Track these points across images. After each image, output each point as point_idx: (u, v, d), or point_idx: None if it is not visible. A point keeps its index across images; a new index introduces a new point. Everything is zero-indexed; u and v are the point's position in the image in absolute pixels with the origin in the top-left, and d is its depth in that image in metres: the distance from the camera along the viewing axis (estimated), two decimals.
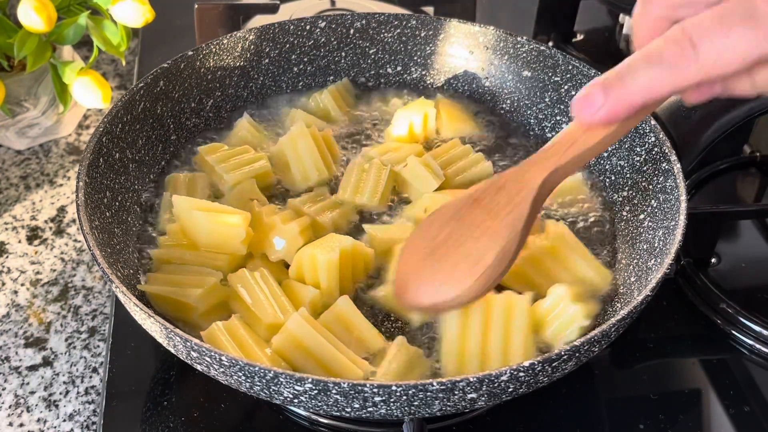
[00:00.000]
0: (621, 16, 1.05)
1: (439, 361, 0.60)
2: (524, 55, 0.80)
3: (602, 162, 0.75)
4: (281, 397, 0.52)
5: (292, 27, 0.82)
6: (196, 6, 0.98)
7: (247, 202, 0.68)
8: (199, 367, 0.54)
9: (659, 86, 0.46)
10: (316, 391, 0.50)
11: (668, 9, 0.48)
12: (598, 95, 0.48)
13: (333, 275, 0.62)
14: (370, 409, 0.51)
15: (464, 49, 0.83)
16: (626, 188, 0.71)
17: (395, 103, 0.82)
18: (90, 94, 0.80)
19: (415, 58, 0.84)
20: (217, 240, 0.64)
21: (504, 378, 0.50)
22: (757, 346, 0.69)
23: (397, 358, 0.58)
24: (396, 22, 0.83)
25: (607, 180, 0.73)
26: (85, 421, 0.65)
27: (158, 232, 0.69)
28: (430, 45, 0.84)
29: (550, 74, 0.79)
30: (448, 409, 0.52)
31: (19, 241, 0.80)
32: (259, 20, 1.00)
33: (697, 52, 0.44)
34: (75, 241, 0.80)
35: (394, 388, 0.49)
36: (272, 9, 1.02)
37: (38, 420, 0.65)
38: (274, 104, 0.82)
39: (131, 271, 0.64)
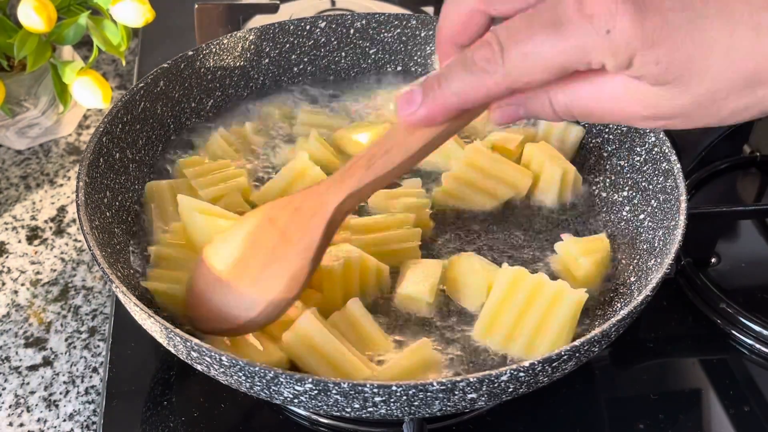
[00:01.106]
0: None
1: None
2: None
3: (602, 162, 0.75)
4: (281, 397, 0.52)
5: (292, 27, 0.82)
6: (196, 6, 0.98)
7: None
8: (199, 367, 0.54)
9: (471, 91, 0.45)
10: (316, 392, 0.50)
11: (481, 2, 0.47)
12: (417, 95, 0.47)
13: (335, 284, 0.62)
14: (370, 409, 0.51)
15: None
16: (626, 188, 0.71)
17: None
18: (90, 94, 0.80)
19: (416, 58, 0.84)
20: None
21: (504, 378, 0.50)
22: (757, 346, 0.69)
23: (409, 357, 0.58)
24: (396, 22, 0.83)
25: (607, 180, 0.73)
26: (85, 421, 0.65)
27: (153, 240, 0.68)
28: (431, 45, 0.84)
29: None
30: (448, 409, 0.52)
31: (19, 241, 0.80)
32: (259, 20, 1.00)
33: (503, 57, 0.43)
34: (75, 241, 0.80)
35: (394, 388, 0.49)
36: (272, 9, 1.02)
37: (38, 420, 0.65)
38: (275, 104, 0.82)
39: (131, 271, 0.64)
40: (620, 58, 0.41)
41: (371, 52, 0.84)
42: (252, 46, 0.80)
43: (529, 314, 0.59)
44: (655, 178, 0.68)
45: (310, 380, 0.49)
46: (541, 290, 0.60)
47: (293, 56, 0.83)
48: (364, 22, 0.83)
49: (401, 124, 0.51)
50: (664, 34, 0.40)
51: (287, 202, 0.57)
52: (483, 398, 0.51)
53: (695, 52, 0.41)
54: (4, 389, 0.67)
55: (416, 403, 0.50)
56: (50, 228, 0.82)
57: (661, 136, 0.68)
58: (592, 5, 0.40)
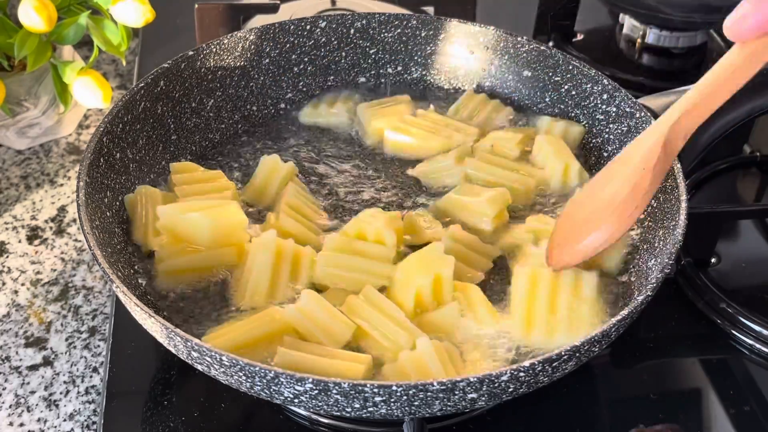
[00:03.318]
0: (621, 16, 1.05)
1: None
2: (524, 55, 0.80)
3: (602, 162, 0.75)
4: (282, 397, 0.52)
5: (292, 27, 0.82)
6: (197, 6, 0.98)
7: None
8: (199, 367, 0.54)
9: None
10: (316, 392, 0.50)
11: None
12: (746, 5, 0.52)
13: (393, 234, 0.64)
14: (371, 409, 0.51)
15: (465, 49, 0.83)
16: None
17: None
18: (90, 94, 0.80)
19: (416, 58, 0.84)
20: (222, 235, 0.64)
21: (504, 378, 0.50)
22: (757, 345, 0.69)
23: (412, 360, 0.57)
24: (396, 22, 0.83)
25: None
26: (85, 420, 0.65)
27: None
28: (431, 45, 0.84)
29: (550, 74, 0.79)
30: (449, 409, 0.52)
31: (20, 241, 0.80)
32: (259, 20, 1.00)
33: None
34: (75, 240, 0.80)
35: (394, 388, 0.49)
36: (272, 9, 1.02)
37: (38, 420, 0.65)
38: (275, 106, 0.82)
39: (131, 271, 0.64)
40: None
41: (371, 52, 0.84)
42: (252, 46, 0.80)
43: (559, 304, 0.61)
44: None
45: (310, 380, 0.49)
46: (559, 279, 0.62)
47: (293, 56, 0.83)
48: (364, 22, 0.83)
49: (737, 50, 0.57)
50: None
51: (633, 142, 0.63)
52: (483, 398, 0.51)
53: None
54: (4, 389, 0.67)
55: (416, 403, 0.50)
56: (50, 228, 0.82)
57: None
58: None
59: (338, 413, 0.52)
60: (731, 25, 0.54)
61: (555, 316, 0.61)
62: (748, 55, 0.57)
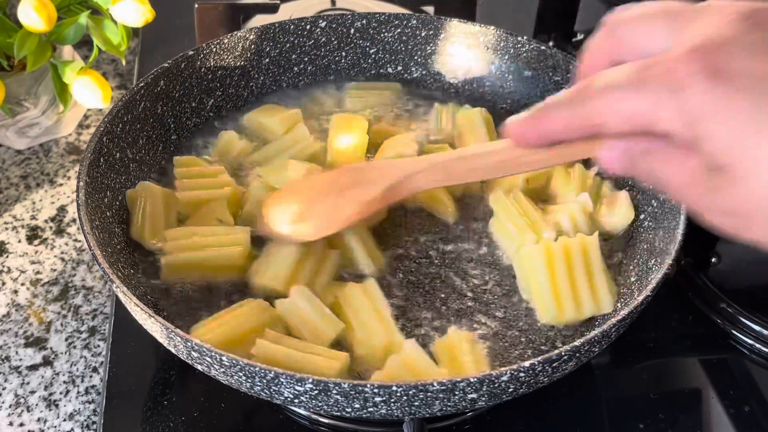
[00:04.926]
0: None
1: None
2: (525, 54, 0.80)
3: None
4: (282, 398, 0.52)
5: (292, 26, 0.82)
6: (196, 6, 0.98)
7: (212, 221, 0.68)
8: (199, 367, 0.54)
9: (548, 119, 0.46)
10: (316, 392, 0.50)
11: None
12: (525, 115, 0.49)
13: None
14: (371, 409, 0.51)
15: (465, 48, 0.83)
16: (626, 188, 0.71)
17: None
18: (90, 94, 0.80)
19: (416, 57, 0.84)
20: (219, 266, 0.65)
21: (504, 378, 0.50)
22: (757, 346, 0.69)
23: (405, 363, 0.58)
24: (396, 22, 0.83)
25: (608, 180, 0.73)
26: (85, 420, 0.65)
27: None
28: (431, 45, 0.84)
29: (550, 74, 0.79)
30: (449, 409, 0.52)
31: (19, 241, 0.80)
32: (259, 20, 1.00)
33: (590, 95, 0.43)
34: (75, 240, 0.80)
35: (394, 388, 0.49)
36: (272, 9, 1.02)
37: (38, 419, 0.65)
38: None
39: (131, 270, 0.64)
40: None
41: (371, 51, 0.84)
42: (252, 46, 0.80)
43: (577, 276, 0.63)
44: None
45: (310, 380, 0.49)
46: (571, 249, 0.64)
47: (293, 56, 0.83)
48: (364, 21, 0.83)
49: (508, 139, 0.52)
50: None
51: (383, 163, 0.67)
52: (483, 398, 0.51)
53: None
54: (4, 389, 0.67)
55: (416, 403, 0.50)
56: (50, 228, 0.82)
57: None
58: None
59: (338, 413, 0.52)
60: (509, 125, 0.48)
61: (577, 290, 0.63)
62: (517, 158, 0.53)
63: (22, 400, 0.67)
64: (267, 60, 0.82)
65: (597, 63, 0.46)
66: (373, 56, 0.84)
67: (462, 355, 0.59)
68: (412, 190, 0.62)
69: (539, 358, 0.51)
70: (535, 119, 0.46)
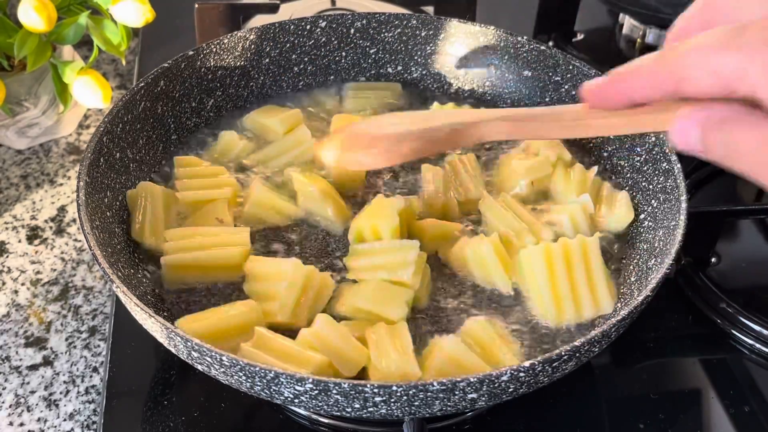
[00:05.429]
0: (621, 16, 1.05)
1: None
2: (524, 54, 0.80)
3: (602, 162, 0.75)
4: (282, 397, 0.52)
5: (292, 27, 0.82)
6: (196, 6, 0.98)
7: (212, 221, 0.68)
8: (199, 367, 0.54)
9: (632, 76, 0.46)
10: (316, 392, 0.50)
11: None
12: (602, 78, 0.49)
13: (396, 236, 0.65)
14: (371, 409, 0.51)
15: (465, 48, 0.83)
16: (626, 188, 0.71)
17: None
18: (90, 94, 0.80)
19: (416, 57, 0.84)
20: (219, 266, 0.65)
21: (504, 378, 0.50)
22: (757, 345, 0.69)
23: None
24: (396, 22, 0.83)
25: (608, 180, 0.73)
26: (85, 420, 0.65)
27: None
28: (431, 45, 0.84)
29: (550, 74, 0.79)
30: (449, 409, 0.52)
31: (20, 241, 0.80)
32: (259, 20, 1.00)
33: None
34: (75, 240, 0.80)
35: (394, 388, 0.49)
36: (272, 9, 1.01)
37: (38, 419, 0.65)
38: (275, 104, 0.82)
39: (131, 270, 0.64)
40: None
41: (371, 51, 0.84)
42: (252, 46, 0.80)
43: (577, 278, 0.63)
44: (655, 178, 0.68)
45: (310, 380, 0.49)
46: (570, 251, 0.64)
47: (293, 56, 0.83)
48: (364, 21, 0.83)
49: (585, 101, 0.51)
50: None
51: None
52: (483, 398, 0.51)
53: None
54: (4, 389, 0.67)
55: (416, 403, 0.50)
56: (50, 228, 0.82)
57: (661, 136, 0.68)
58: None
59: (338, 413, 0.52)
60: (585, 86, 0.48)
61: (577, 291, 0.63)
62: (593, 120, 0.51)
63: (22, 400, 0.67)
64: (267, 60, 0.82)
65: (689, 29, 0.47)
66: (373, 56, 0.85)
67: (491, 341, 0.60)
68: (478, 138, 0.59)
69: (539, 358, 0.51)
70: (619, 75, 0.45)
